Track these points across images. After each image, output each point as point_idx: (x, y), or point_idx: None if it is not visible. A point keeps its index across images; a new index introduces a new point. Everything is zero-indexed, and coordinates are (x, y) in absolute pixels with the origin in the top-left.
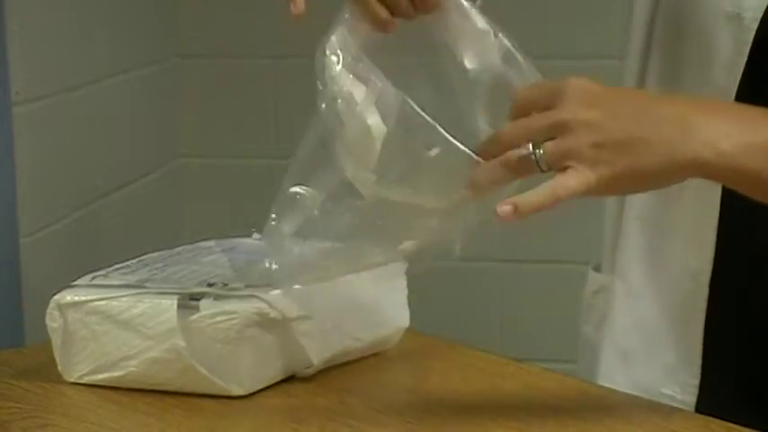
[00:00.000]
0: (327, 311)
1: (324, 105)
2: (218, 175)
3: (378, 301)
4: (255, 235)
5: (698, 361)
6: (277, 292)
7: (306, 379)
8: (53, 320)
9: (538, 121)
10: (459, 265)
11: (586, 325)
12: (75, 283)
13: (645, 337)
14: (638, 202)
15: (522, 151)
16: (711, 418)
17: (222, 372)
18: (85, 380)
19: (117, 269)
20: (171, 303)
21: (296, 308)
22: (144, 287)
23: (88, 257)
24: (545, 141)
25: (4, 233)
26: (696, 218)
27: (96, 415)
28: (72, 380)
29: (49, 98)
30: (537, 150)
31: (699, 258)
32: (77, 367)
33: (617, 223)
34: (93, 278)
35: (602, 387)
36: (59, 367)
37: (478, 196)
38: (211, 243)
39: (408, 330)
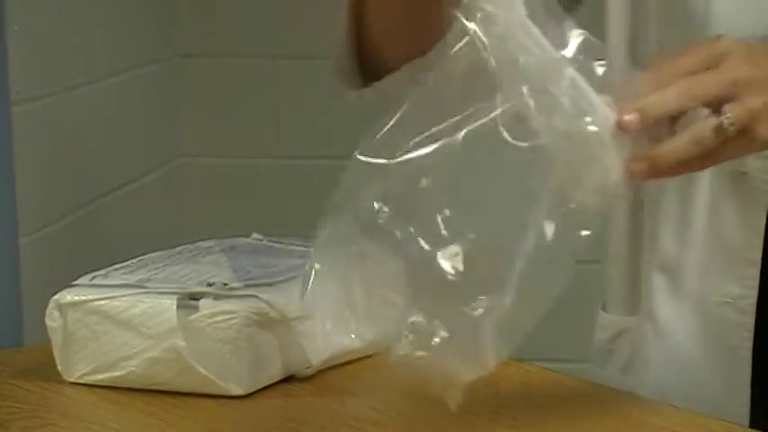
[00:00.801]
0: (327, 311)
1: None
2: (219, 175)
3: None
4: (255, 235)
5: (746, 391)
6: (276, 291)
7: (305, 379)
8: (53, 320)
9: (711, 80)
10: None
11: (607, 370)
12: (75, 282)
13: (684, 374)
14: (661, 244)
15: (713, 121)
16: (711, 418)
17: (222, 372)
18: (85, 380)
19: (117, 269)
20: (171, 303)
21: (295, 308)
22: (144, 287)
23: (88, 257)
24: (721, 105)
25: (4, 232)
26: (739, 243)
27: (96, 415)
28: (72, 380)
29: (49, 98)
30: (726, 117)
31: (741, 285)
32: (77, 367)
33: (632, 264)
34: (93, 278)
35: (601, 387)
36: (59, 367)
37: (652, 177)
38: (211, 243)
39: None
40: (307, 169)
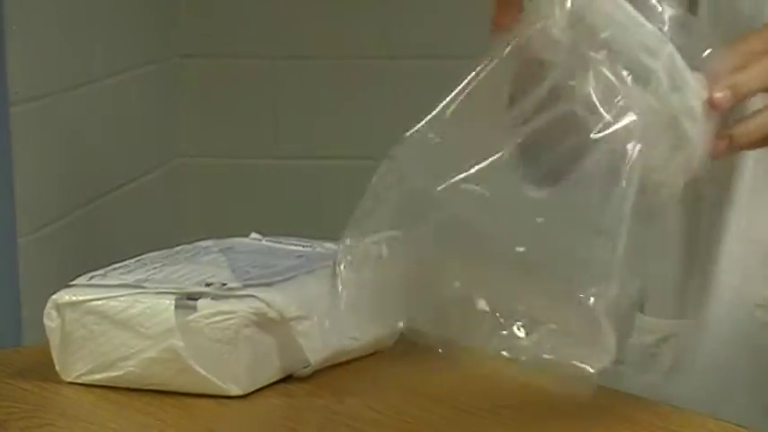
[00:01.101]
0: (325, 311)
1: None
2: (217, 175)
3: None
4: (254, 235)
5: None
6: (275, 291)
7: (304, 379)
8: (51, 320)
9: None
10: None
11: (649, 374)
12: (73, 282)
13: (729, 376)
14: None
15: None
16: (708, 418)
17: (220, 372)
18: (83, 379)
19: (115, 269)
20: (169, 303)
21: (294, 308)
22: (142, 287)
23: (86, 257)
24: None
25: (3, 233)
26: None
27: (94, 415)
28: (70, 379)
29: (48, 98)
30: None
31: None
32: (75, 367)
33: (686, 268)
34: (92, 278)
35: (599, 386)
36: (57, 367)
37: (731, 153)
38: (210, 243)
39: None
40: (305, 169)
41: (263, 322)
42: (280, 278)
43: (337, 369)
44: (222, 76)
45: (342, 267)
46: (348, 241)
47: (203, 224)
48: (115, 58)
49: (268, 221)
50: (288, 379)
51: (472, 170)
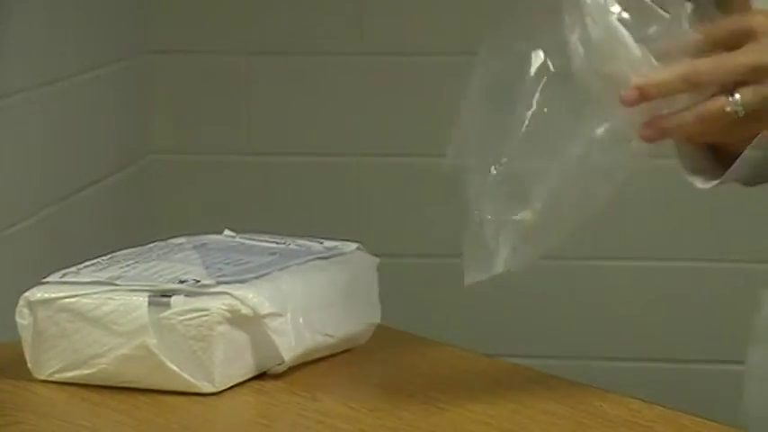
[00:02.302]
0: (299, 308)
1: None
2: (190, 172)
3: (349, 297)
4: (227, 232)
5: None
6: (249, 288)
7: (277, 376)
8: (23, 318)
9: (736, 60)
10: (431, 260)
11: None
12: (46, 279)
13: None
14: None
15: (718, 102)
16: (681, 413)
17: (194, 369)
18: (56, 377)
19: (88, 266)
20: (142, 300)
21: (267, 304)
22: (115, 284)
23: (58, 254)
24: (738, 87)
25: None
26: None
27: (67, 413)
28: (42, 377)
29: (19, 94)
30: (735, 100)
31: None
32: (48, 365)
33: None
34: (64, 275)
35: (571, 382)
36: (29, 365)
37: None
38: (183, 240)
39: (380, 326)
40: (278, 166)
41: (236, 319)
42: (253, 275)
43: (311, 366)
44: (194, 72)
45: None
46: None
47: (176, 221)
48: (86, 55)
49: (241, 218)
50: (262, 376)
51: None
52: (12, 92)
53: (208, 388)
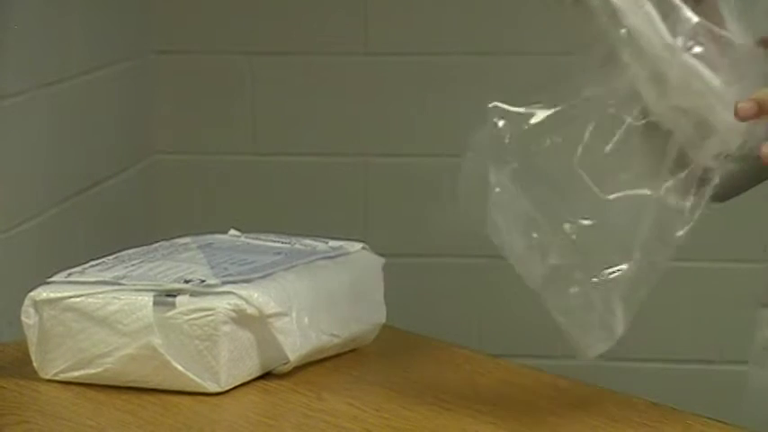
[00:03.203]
0: (304, 307)
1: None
2: (195, 172)
3: (355, 297)
4: (232, 231)
5: None
6: (254, 288)
7: (283, 375)
8: (28, 317)
9: None
10: (437, 260)
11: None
12: (51, 279)
13: None
14: None
15: None
16: (687, 413)
17: (199, 368)
18: (61, 377)
19: (93, 266)
20: (147, 300)
21: (273, 304)
22: (120, 284)
23: (64, 254)
24: None
25: None
26: None
27: (72, 412)
28: (48, 377)
29: (24, 94)
30: None
31: None
32: (53, 364)
33: None
34: (69, 275)
35: (577, 383)
36: (35, 364)
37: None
38: (188, 239)
39: (385, 326)
40: (283, 166)
41: (241, 319)
42: (258, 275)
43: (316, 366)
44: (199, 72)
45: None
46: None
47: (181, 221)
48: (91, 55)
49: (246, 218)
50: (267, 375)
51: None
52: (16, 92)
53: (213, 387)
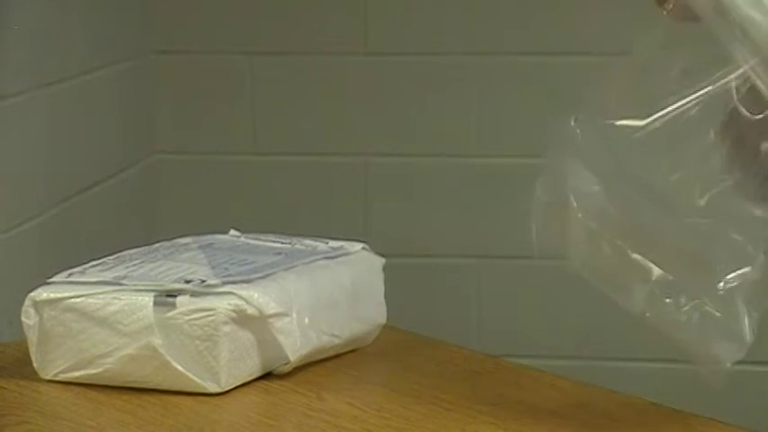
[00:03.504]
0: (305, 308)
1: None
2: (195, 172)
3: (355, 297)
4: (233, 231)
5: None
6: (254, 288)
7: (283, 375)
8: (28, 318)
9: None
10: (437, 260)
11: None
12: (52, 279)
13: None
14: None
15: None
16: (688, 413)
17: (199, 369)
18: (61, 377)
19: (93, 266)
20: (147, 300)
21: (273, 304)
22: (120, 284)
23: (64, 254)
24: None
25: None
26: None
27: (73, 412)
28: (48, 377)
29: (24, 94)
30: None
31: None
32: (53, 365)
33: None
34: (70, 275)
35: (577, 383)
36: (35, 365)
37: None
38: (188, 240)
39: (386, 327)
40: (283, 165)
41: (242, 319)
42: (259, 275)
43: (317, 366)
44: (200, 72)
45: None
46: None
47: (182, 221)
48: (91, 55)
49: (247, 218)
50: (267, 376)
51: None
52: (16, 92)
53: (213, 388)
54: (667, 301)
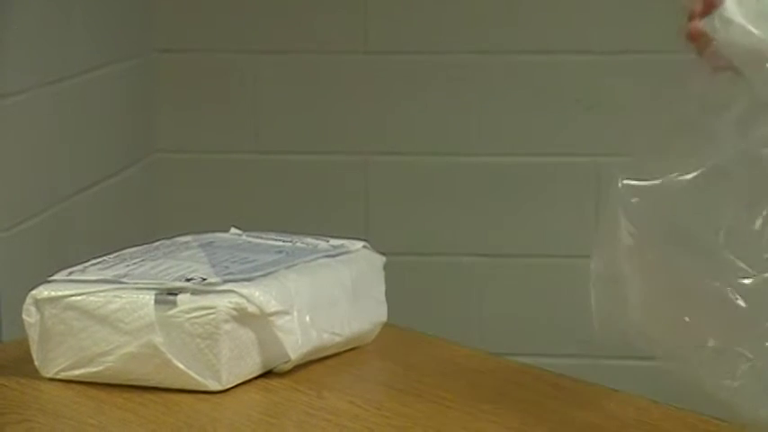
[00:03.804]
0: (305, 306)
1: None
2: (196, 170)
3: (356, 295)
4: (234, 230)
5: None
6: (255, 286)
7: (284, 374)
8: (30, 316)
9: None
10: (438, 259)
11: None
12: (53, 278)
13: None
14: None
15: None
16: (689, 412)
17: (200, 367)
18: (63, 375)
19: (94, 264)
20: (148, 298)
21: (274, 303)
22: (121, 282)
23: (65, 253)
24: None
25: None
26: None
27: (74, 410)
28: (49, 375)
29: (26, 93)
30: None
31: None
32: (55, 363)
33: None
34: (71, 273)
35: (578, 381)
36: (36, 363)
37: None
38: (189, 238)
39: (387, 325)
40: (284, 164)
41: (243, 317)
42: (260, 273)
43: (318, 364)
44: (201, 70)
45: None
46: None
47: (182, 219)
48: (93, 54)
49: (248, 217)
50: (268, 374)
51: None
52: (18, 90)
53: (214, 386)
54: (722, 367)
